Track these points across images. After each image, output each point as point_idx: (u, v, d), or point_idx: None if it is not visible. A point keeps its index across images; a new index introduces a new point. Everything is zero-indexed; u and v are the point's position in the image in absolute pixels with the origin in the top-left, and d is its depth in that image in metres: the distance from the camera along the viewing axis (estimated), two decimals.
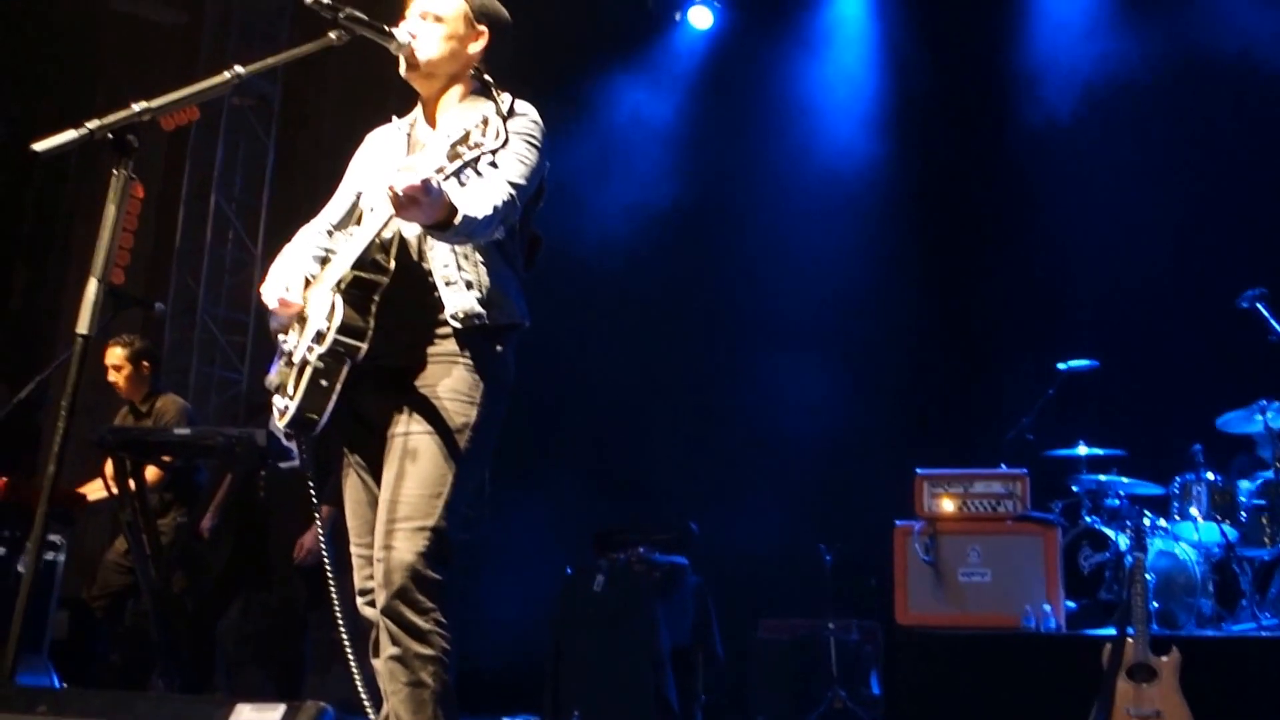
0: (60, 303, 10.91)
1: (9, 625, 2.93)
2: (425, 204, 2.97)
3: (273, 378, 3.49)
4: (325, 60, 10.61)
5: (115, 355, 6.77)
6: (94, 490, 6.44)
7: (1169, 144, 8.47)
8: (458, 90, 3.59)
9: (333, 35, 3.44)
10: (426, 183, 2.94)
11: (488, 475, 9.12)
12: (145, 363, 6.80)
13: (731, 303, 9.78)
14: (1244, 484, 6.80)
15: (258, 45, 10.69)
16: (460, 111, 3.50)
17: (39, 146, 3.10)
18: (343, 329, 3.23)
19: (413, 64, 3.52)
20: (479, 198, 3.18)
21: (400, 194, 2.93)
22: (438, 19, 3.53)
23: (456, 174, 3.01)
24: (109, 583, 6.51)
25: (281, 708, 2.21)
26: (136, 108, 3.17)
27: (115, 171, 3.14)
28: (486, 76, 3.55)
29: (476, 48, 3.58)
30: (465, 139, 2.99)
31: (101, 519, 8.80)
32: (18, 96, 10.90)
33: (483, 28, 3.58)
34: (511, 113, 3.16)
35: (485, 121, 2.98)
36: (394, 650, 3.24)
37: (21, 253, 11.15)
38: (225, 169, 10.85)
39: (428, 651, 3.22)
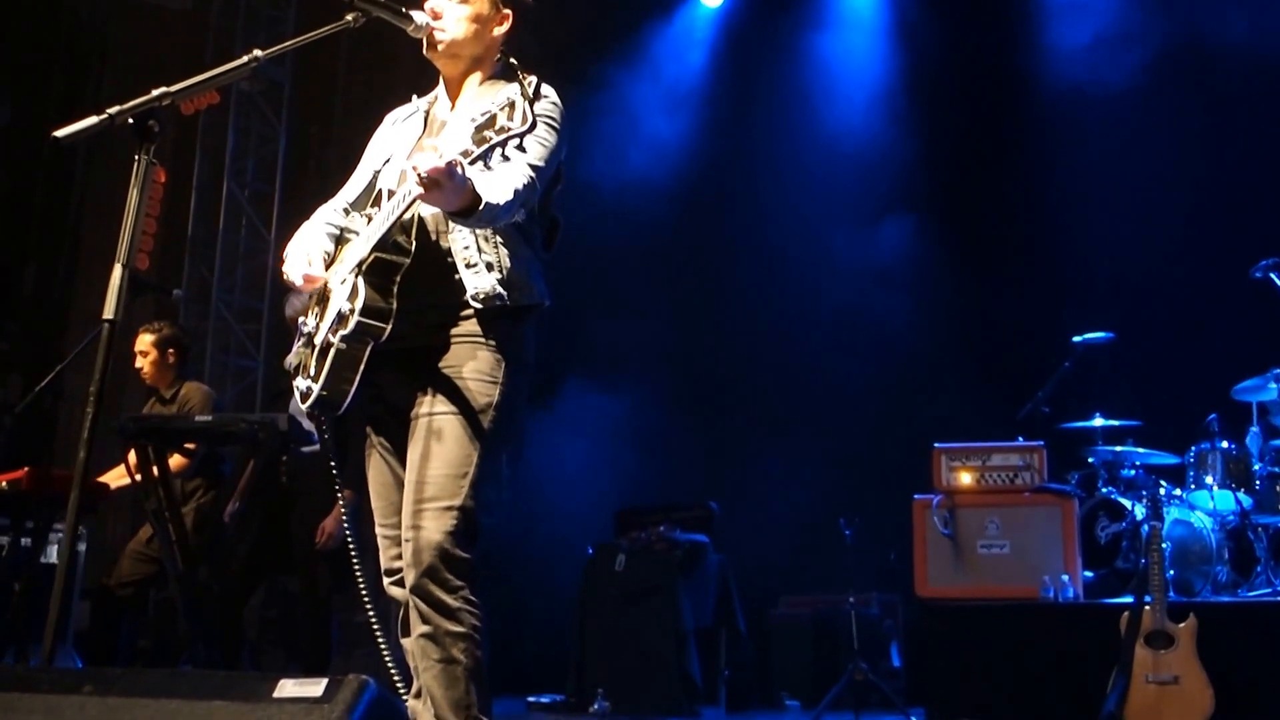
0: (72, 293, 10.92)
1: (39, 614, 2.94)
2: (449, 188, 2.95)
3: (292, 359, 3.49)
4: (336, 44, 10.60)
5: (143, 342, 6.75)
6: (116, 478, 6.47)
7: (1183, 115, 8.47)
8: (480, 72, 3.58)
9: (349, 17, 3.42)
10: (451, 166, 2.91)
11: (505, 459, 9.18)
12: (172, 350, 6.76)
13: (747, 280, 9.79)
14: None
15: (264, 29, 10.70)
16: (482, 94, 3.48)
17: (60, 133, 3.09)
18: (366, 310, 3.22)
19: (434, 44, 3.50)
20: (501, 183, 3.17)
21: (424, 175, 2.91)
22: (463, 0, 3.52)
23: (483, 158, 2.98)
24: (133, 572, 6.50)
25: (324, 681, 2.23)
26: (156, 93, 3.16)
27: (137, 157, 3.13)
28: (512, 60, 3.50)
29: (500, 30, 3.57)
30: (491, 123, 2.95)
31: (121, 508, 8.84)
32: (25, 84, 10.91)
33: (507, 11, 3.57)
34: (537, 95, 3.13)
35: (511, 105, 2.94)
36: (425, 628, 3.25)
37: (32, 244, 11.17)
38: (237, 156, 10.87)
39: (458, 629, 3.23)
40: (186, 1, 11.00)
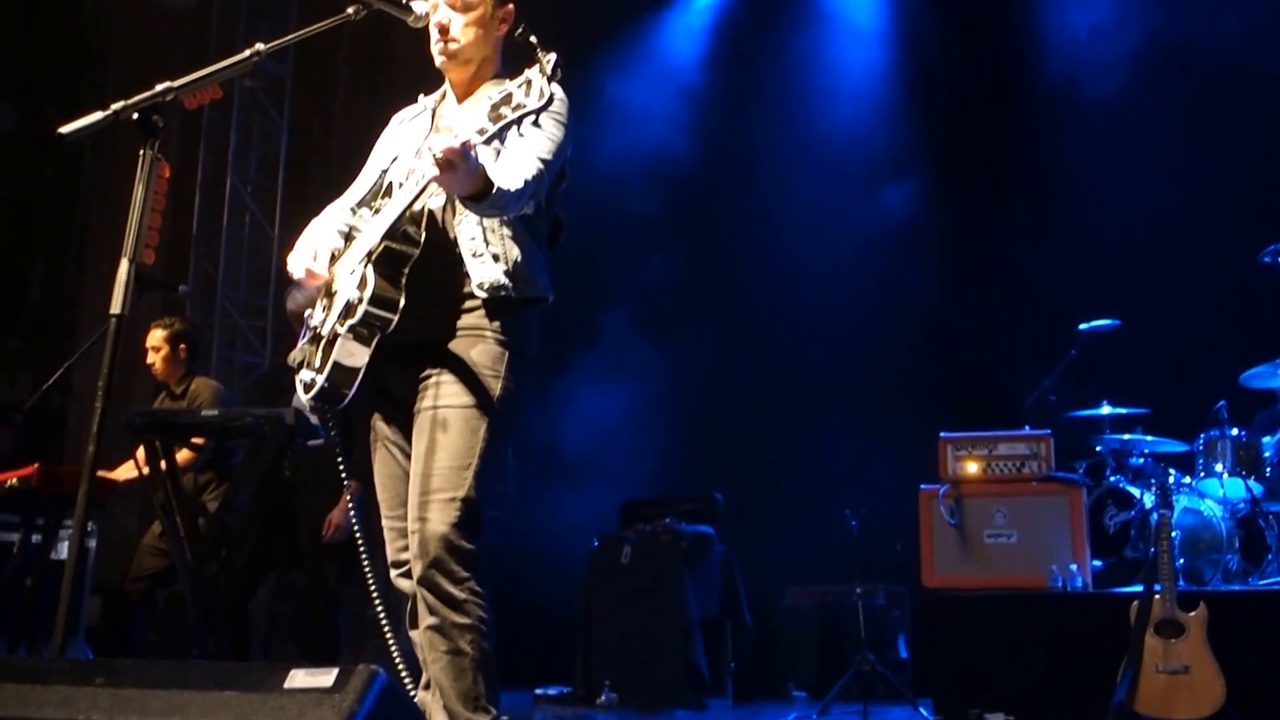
0: (80, 291, 10.94)
1: (50, 610, 2.94)
2: (463, 170, 2.95)
3: (296, 355, 3.48)
4: (337, 39, 10.61)
5: (155, 337, 6.77)
6: (124, 472, 6.48)
7: (1190, 101, 8.44)
8: (487, 69, 3.58)
9: (350, 10, 3.46)
10: (466, 146, 2.92)
11: (510, 452, 9.18)
12: (183, 345, 6.78)
13: (752, 272, 9.77)
14: (1268, 439, 6.78)
15: (266, 27, 10.68)
16: (489, 88, 3.48)
17: (65, 129, 3.11)
18: (374, 300, 3.22)
19: (445, 55, 3.51)
20: (512, 171, 3.18)
21: (439, 155, 2.91)
22: (467, 6, 3.50)
23: (499, 135, 2.99)
24: (146, 566, 6.51)
25: (334, 671, 2.24)
26: (160, 87, 3.17)
27: (142, 152, 3.15)
28: (532, 39, 3.48)
29: (505, 28, 3.57)
30: (508, 100, 2.97)
31: (131, 505, 8.85)
32: (30, 86, 10.92)
33: (510, 6, 3.58)
34: (555, 73, 3.12)
35: (528, 82, 2.97)
36: (432, 620, 3.27)
37: (39, 244, 11.19)
38: (240, 152, 10.88)
39: (464, 620, 3.24)
40: (188, 0, 11.02)
